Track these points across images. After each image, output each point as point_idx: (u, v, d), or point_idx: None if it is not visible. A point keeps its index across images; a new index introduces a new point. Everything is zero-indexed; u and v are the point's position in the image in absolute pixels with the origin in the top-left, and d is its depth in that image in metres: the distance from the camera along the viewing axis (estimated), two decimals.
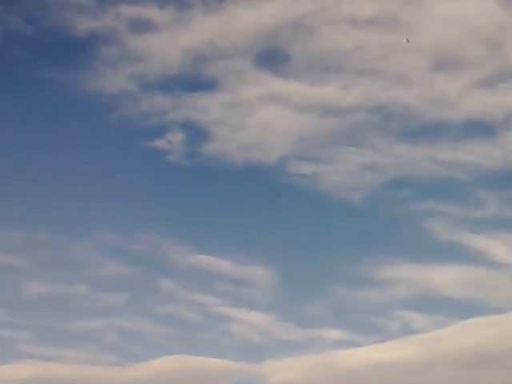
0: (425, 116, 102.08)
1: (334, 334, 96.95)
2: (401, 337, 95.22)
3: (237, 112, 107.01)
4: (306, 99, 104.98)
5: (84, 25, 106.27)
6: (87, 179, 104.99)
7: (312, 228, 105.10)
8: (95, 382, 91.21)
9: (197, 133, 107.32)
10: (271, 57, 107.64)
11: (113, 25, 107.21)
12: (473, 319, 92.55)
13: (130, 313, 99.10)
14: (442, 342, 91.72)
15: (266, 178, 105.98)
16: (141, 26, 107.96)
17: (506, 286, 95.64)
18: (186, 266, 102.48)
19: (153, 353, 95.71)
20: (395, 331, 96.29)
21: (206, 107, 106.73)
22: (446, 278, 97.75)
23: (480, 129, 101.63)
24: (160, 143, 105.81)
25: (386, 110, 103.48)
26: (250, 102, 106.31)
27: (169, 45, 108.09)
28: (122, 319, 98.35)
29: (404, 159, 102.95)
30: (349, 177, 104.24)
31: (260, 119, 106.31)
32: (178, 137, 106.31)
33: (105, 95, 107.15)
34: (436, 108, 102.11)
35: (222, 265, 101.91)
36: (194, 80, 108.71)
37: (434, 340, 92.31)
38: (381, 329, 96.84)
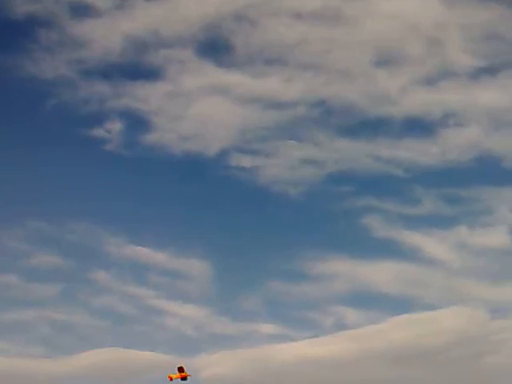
0: (365, 112, 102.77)
1: (269, 328, 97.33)
2: (334, 332, 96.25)
3: (178, 102, 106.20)
4: (248, 91, 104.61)
5: (22, 8, 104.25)
6: (20, 166, 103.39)
7: (250, 221, 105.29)
8: (25, 375, 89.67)
9: (136, 122, 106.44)
10: (214, 47, 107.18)
11: (52, 9, 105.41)
12: (406, 315, 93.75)
13: (62, 304, 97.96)
14: (375, 337, 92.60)
15: (206, 170, 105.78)
16: (81, 11, 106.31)
17: (439, 283, 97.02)
18: (121, 258, 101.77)
19: (85, 345, 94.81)
20: (329, 326, 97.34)
21: (146, 96, 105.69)
22: (381, 274, 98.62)
23: (419, 126, 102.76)
24: (98, 132, 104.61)
25: (327, 104, 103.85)
26: (191, 93, 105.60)
27: (110, 31, 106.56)
28: (54, 311, 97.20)
29: (344, 154, 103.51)
30: (288, 171, 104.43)
31: (201, 110, 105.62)
32: (116, 126, 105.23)
33: (41, 81, 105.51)
34: (377, 104, 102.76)
35: (158, 257, 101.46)
36: (134, 68, 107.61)
37: (367, 335, 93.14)
38: (315, 324, 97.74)
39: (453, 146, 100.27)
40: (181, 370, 70.19)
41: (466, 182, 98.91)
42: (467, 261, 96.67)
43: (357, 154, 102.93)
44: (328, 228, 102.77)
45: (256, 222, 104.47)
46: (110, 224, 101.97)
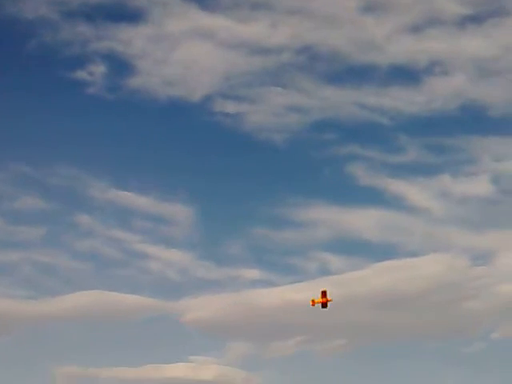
0: (351, 59, 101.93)
1: (252, 273, 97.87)
2: (317, 277, 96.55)
3: (161, 46, 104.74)
4: (233, 36, 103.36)
5: None
6: (1, 109, 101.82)
7: (234, 168, 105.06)
8: (9, 316, 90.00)
9: (119, 65, 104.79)
10: None
11: None
12: (388, 262, 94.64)
13: (46, 247, 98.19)
14: (357, 283, 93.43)
15: (190, 115, 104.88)
16: None
17: (421, 230, 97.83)
18: (105, 202, 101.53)
19: (69, 287, 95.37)
20: (312, 272, 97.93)
21: (129, 39, 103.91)
22: (364, 221, 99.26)
23: (405, 74, 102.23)
24: (81, 74, 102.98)
25: (313, 51, 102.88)
26: (175, 37, 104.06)
27: None
28: (38, 253, 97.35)
29: (329, 102, 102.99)
30: (273, 118, 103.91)
31: (185, 54, 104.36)
32: (99, 69, 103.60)
33: (23, 21, 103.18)
34: (363, 51, 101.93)
35: (142, 201, 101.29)
36: (118, 10, 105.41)
37: (350, 281, 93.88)
38: (298, 269, 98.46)
39: (438, 94, 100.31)
40: (323, 294, 67.20)
41: (450, 131, 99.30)
42: (449, 209, 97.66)
43: (342, 101, 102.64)
44: (312, 175, 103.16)
45: (240, 168, 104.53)
46: (94, 168, 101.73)
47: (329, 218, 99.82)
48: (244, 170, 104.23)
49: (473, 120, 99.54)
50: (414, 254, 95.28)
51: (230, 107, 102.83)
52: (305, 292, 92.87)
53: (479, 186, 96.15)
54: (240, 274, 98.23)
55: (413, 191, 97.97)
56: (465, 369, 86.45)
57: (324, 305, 67.12)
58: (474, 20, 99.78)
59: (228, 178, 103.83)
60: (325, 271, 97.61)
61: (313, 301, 67.39)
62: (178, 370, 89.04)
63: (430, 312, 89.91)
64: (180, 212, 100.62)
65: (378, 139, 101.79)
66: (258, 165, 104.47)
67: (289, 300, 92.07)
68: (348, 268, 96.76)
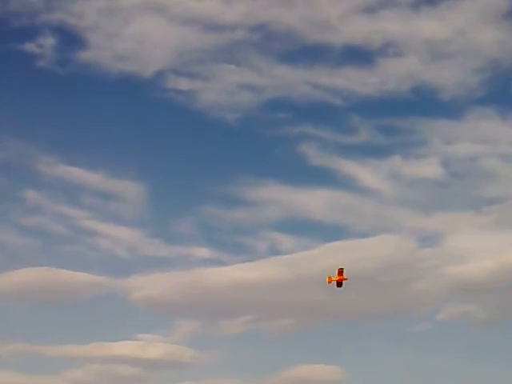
0: (305, 38, 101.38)
1: (202, 252, 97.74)
2: (268, 257, 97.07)
3: (113, 20, 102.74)
4: (186, 11, 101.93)
5: None
6: None
7: (186, 145, 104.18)
8: None
9: (70, 38, 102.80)
10: None
11: None
12: (338, 242, 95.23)
13: None
14: (308, 263, 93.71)
15: (142, 91, 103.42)
16: None
17: (371, 211, 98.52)
18: (53, 177, 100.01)
19: (15, 264, 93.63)
20: (263, 252, 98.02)
21: (81, 12, 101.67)
22: (315, 201, 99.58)
23: (358, 55, 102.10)
24: (30, 47, 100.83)
25: (266, 29, 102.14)
26: (127, 10, 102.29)
27: None
28: None
29: (282, 81, 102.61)
30: (226, 96, 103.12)
31: (137, 29, 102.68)
32: (49, 41, 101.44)
33: None
34: (317, 31, 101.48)
35: (91, 177, 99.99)
36: None
37: (300, 261, 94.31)
38: (249, 249, 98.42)
39: (391, 76, 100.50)
40: (340, 272, 65.43)
41: (402, 113, 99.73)
42: (399, 191, 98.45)
43: (295, 80, 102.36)
44: (264, 154, 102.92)
45: (192, 146, 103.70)
46: (42, 143, 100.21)
47: (280, 197, 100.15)
48: (196, 148, 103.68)
49: (424, 102, 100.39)
50: (363, 235, 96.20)
51: (183, 84, 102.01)
52: (255, 271, 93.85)
53: (429, 169, 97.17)
54: (190, 253, 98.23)
55: (364, 172, 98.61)
56: (410, 348, 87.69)
57: (339, 283, 65.73)
58: (429, 2, 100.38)
59: (179, 155, 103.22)
60: (275, 251, 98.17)
61: (329, 278, 65.83)
62: (125, 347, 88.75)
63: (378, 292, 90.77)
64: (130, 189, 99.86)
65: (331, 119, 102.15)
66: (209, 143, 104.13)
67: (239, 279, 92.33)
68: (298, 248, 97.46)
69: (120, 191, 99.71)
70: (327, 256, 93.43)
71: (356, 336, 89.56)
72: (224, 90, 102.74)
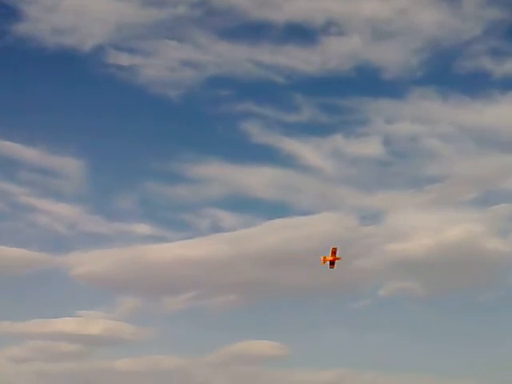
0: (248, 15, 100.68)
1: (143, 228, 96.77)
2: (210, 234, 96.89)
3: None
4: None
5: None
6: None
7: (127, 121, 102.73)
8: None
9: (6, 10, 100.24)
10: None
11: None
12: (280, 220, 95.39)
13: None
14: (250, 240, 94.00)
15: (81, 66, 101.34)
16: None
17: (313, 189, 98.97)
18: None
19: None
20: (204, 229, 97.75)
21: None
22: (257, 179, 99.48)
23: (301, 33, 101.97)
24: None
25: (209, 5, 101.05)
26: None
27: None
28: None
29: (224, 58, 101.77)
30: (168, 72, 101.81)
31: (76, 2, 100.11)
32: None
33: None
34: (260, 8, 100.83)
35: (29, 153, 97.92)
36: None
37: (242, 238, 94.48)
38: (190, 226, 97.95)
39: (333, 54, 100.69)
40: (333, 252, 64.88)
41: (344, 92, 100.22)
42: (341, 169, 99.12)
43: (237, 57, 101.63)
44: (206, 131, 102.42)
45: (133, 122, 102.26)
46: None
47: (222, 174, 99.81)
48: (137, 124, 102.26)
49: (366, 81, 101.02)
50: (305, 213, 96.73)
51: (124, 59, 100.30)
52: (197, 248, 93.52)
53: (371, 147, 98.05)
54: (131, 229, 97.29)
55: (306, 150, 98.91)
56: (352, 324, 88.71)
57: (332, 263, 65.57)
58: None
59: (120, 131, 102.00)
60: (217, 228, 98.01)
61: (324, 257, 65.61)
62: (65, 324, 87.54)
63: (320, 270, 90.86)
64: (69, 165, 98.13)
65: (273, 97, 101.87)
66: (151, 119, 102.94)
67: (181, 256, 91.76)
68: (240, 225, 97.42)
69: (60, 167, 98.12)
70: (269, 233, 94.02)
71: (298, 312, 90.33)
72: (165, 66, 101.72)
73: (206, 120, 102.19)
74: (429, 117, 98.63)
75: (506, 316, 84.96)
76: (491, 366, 79.68)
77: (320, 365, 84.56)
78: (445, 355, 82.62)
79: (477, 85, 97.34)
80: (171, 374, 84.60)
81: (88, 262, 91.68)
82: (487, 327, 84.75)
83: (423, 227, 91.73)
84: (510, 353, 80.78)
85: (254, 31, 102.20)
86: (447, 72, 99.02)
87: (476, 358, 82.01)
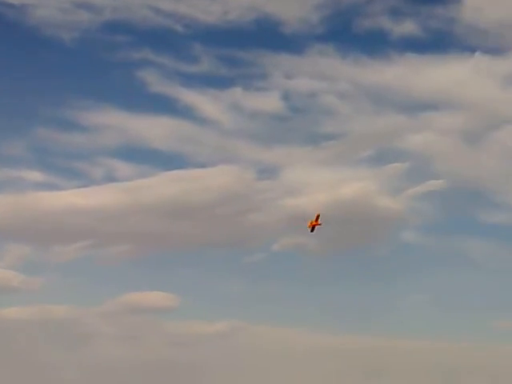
0: None
1: (35, 175, 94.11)
2: (104, 183, 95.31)
3: None
4: None
5: None
6: None
7: (16, 63, 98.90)
8: None
9: None
10: None
11: None
12: (176, 171, 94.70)
13: None
14: (145, 191, 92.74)
15: None
16: None
17: (211, 142, 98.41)
18: None
19: None
20: (99, 178, 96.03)
21: None
22: (154, 129, 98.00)
23: None
24: None
25: None
26: None
27: None
28: None
29: (122, 2, 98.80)
30: (62, 14, 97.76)
31: None
32: None
33: None
34: None
35: None
36: None
37: (138, 189, 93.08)
38: (84, 174, 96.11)
39: (234, 5, 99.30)
40: (317, 218, 66.13)
41: (244, 44, 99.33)
42: (240, 122, 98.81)
43: (136, 3, 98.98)
44: (102, 78, 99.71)
45: (25, 65, 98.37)
46: None
47: (118, 123, 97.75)
48: (28, 66, 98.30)
49: (267, 35, 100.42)
50: (202, 165, 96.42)
51: None
52: (91, 197, 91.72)
53: (269, 102, 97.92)
54: (21, 176, 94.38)
55: (205, 102, 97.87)
56: (245, 277, 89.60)
57: (312, 229, 66.74)
58: None
59: (10, 74, 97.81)
60: (112, 178, 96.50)
61: (311, 222, 66.71)
62: None
63: (216, 223, 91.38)
64: None
65: (172, 47, 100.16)
66: (44, 63, 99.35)
67: (73, 205, 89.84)
68: (136, 176, 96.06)
69: None
70: (165, 185, 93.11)
71: (192, 265, 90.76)
72: (59, 7, 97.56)
73: (102, 66, 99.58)
74: (327, 74, 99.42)
75: (396, 269, 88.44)
76: (378, 318, 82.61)
77: (213, 316, 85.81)
78: (336, 305, 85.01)
79: (375, 44, 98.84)
80: (62, 324, 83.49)
81: None
82: (379, 282, 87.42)
83: (319, 183, 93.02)
84: (398, 305, 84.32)
85: None
86: (347, 30, 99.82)
87: (364, 311, 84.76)
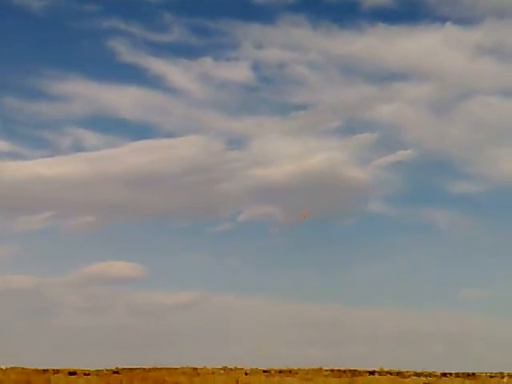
0: None
1: (1, 145, 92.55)
2: (71, 153, 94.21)
3: None
4: None
5: None
6: None
7: None
8: None
9: None
10: None
11: None
12: (144, 141, 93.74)
13: None
14: (112, 161, 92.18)
15: None
16: None
17: (180, 111, 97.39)
18: None
19: None
20: (66, 147, 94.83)
21: None
22: (122, 98, 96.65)
23: None
24: None
25: None
26: None
27: None
28: None
29: None
30: None
31: None
32: None
33: None
34: None
35: None
36: None
37: (104, 158, 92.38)
38: (51, 144, 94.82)
39: None
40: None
41: (214, 13, 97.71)
42: (209, 92, 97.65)
43: None
44: (70, 47, 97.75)
45: None
46: None
47: (86, 93, 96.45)
48: None
49: (236, 4, 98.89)
50: (171, 135, 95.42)
51: None
52: (57, 167, 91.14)
53: (239, 72, 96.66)
54: None
55: (174, 72, 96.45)
56: (210, 248, 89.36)
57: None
58: None
59: None
60: (79, 147, 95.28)
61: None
62: None
63: (183, 193, 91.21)
64: None
65: (141, 15, 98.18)
66: (11, 31, 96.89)
67: (39, 174, 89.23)
68: (103, 145, 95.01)
69: None
70: (133, 155, 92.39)
71: (158, 235, 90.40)
72: None
73: (70, 35, 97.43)
74: (298, 44, 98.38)
75: (363, 239, 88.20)
76: (343, 288, 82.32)
77: (178, 287, 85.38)
78: (301, 278, 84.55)
79: (346, 14, 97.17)
80: (25, 294, 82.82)
81: None
82: (346, 253, 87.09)
83: (287, 154, 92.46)
84: (364, 276, 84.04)
85: None
86: (319, 0, 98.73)
87: (330, 282, 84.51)
